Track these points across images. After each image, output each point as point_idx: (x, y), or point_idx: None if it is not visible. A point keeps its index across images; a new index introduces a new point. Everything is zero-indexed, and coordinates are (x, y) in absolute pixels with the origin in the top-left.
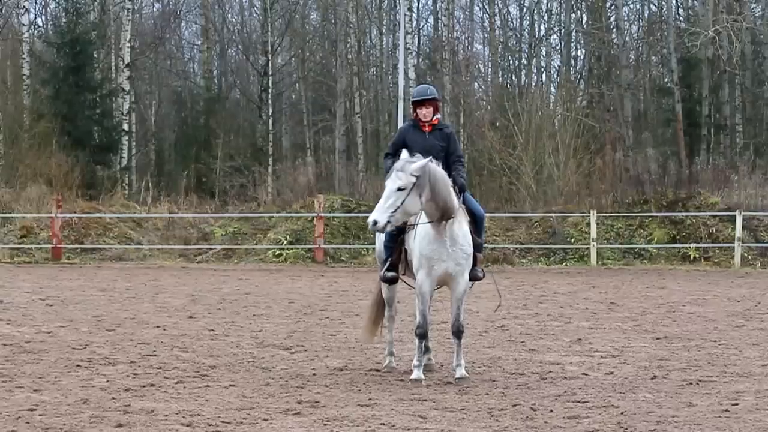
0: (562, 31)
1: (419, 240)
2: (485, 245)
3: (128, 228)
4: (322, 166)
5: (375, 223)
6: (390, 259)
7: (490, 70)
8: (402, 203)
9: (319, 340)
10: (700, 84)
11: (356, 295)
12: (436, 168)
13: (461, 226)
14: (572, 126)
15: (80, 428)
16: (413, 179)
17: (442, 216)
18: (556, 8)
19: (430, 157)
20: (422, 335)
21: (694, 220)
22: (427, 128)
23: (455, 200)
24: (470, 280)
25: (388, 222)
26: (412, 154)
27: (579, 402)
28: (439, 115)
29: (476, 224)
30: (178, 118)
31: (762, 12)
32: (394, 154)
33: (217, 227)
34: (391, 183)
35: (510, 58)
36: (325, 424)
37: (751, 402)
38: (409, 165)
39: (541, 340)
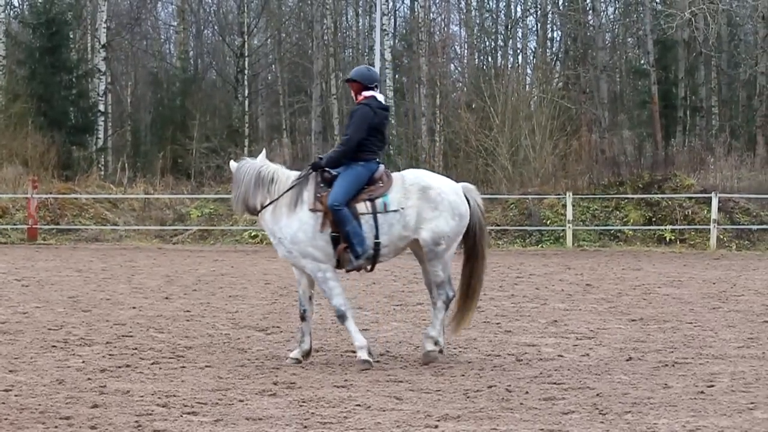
0: (539, 12)
1: None
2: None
3: (104, 209)
4: (298, 148)
5: None
6: None
7: (466, 51)
8: None
9: (294, 321)
10: (676, 66)
11: None
12: (245, 167)
13: (276, 218)
14: (548, 108)
15: (56, 409)
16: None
17: (249, 211)
18: None
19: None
20: (301, 317)
21: (669, 202)
22: None
23: (252, 197)
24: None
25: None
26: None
27: (554, 383)
28: (364, 93)
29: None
30: (154, 99)
31: None
32: None
33: (193, 208)
34: None
35: (486, 39)
36: (300, 405)
37: (727, 384)
38: None
39: (516, 321)
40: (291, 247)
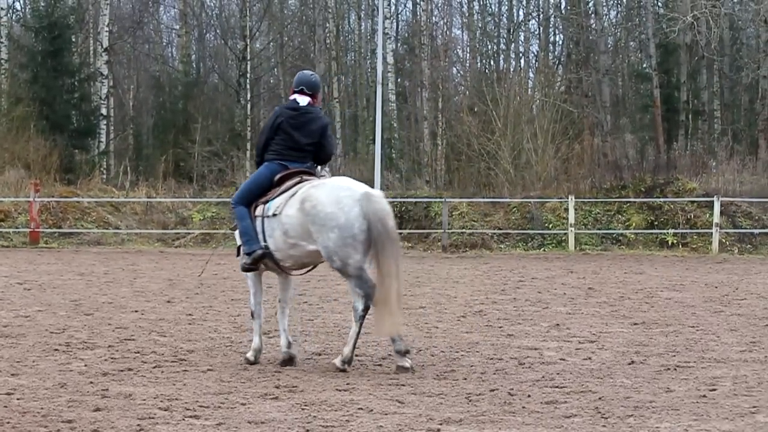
0: (541, 16)
1: None
2: None
3: (106, 212)
4: None
5: None
6: None
7: (468, 55)
8: None
9: (296, 324)
10: (679, 69)
11: (334, 279)
12: None
13: None
14: (550, 111)
15: (58, 412)
16: None
17: None
18: None
19: None
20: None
21: (672, 206)
22: None
23: None
24: None
25: None
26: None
27: (557, 387)
28: (290, 97)
29: None
30: (156, 102)
31: None
32: None
33: (195, 212)
34: None
35: (488, 43)
36: (302, 409)
37: (729, 387)
38: None
39: (519, 325)
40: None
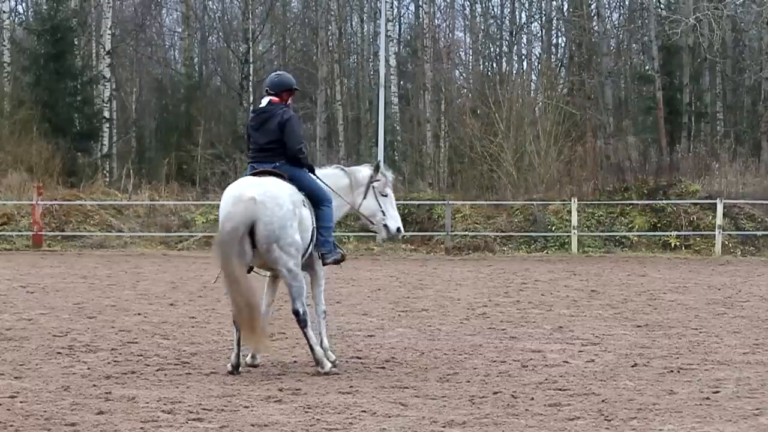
0: (543, 18)
1: None
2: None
3: (109, 215)
4: None
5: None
6: None
7: (471, 57)
8: None
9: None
10: (681, 72)
11: (337, 282)
12: None
13: None
14: (553, 113)
15: (61, 415)
16: None
17: None
18: None
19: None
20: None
21: (674, 208)
22: None
23: None
24: None
25: None
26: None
27: (560, 389)
28: None
29: None
30: (159, 105)
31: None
32: None
33: (198, 214)
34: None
35: (491, 45)
36: (306, 411)
37: (732, 390)
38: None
39: (522, 327)
40: None
